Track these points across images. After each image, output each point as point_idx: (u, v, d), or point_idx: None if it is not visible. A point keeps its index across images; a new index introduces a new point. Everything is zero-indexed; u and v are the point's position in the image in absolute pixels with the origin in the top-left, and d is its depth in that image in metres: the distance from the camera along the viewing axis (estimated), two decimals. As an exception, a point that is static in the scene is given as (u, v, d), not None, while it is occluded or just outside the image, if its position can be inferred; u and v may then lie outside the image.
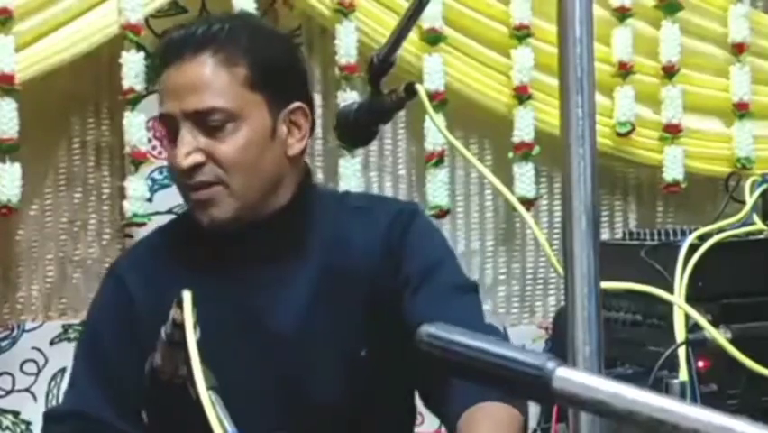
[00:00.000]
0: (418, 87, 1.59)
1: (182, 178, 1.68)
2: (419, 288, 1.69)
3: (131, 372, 1.63)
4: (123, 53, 2.69)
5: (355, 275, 1.71)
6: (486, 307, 2.51)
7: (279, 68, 1.71)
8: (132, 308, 1.72)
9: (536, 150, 3.01)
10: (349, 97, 2.78)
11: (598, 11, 2.85)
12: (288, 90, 1.72)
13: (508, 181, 2.98)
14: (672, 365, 1.74)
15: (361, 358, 1.70)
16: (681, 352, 1.74)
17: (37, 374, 2.78)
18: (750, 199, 2.27)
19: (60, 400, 1.85)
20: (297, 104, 1.72)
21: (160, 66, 1.71)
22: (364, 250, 1.73)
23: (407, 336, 0.93)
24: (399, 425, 1.83)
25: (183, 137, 1.66)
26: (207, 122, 1.66)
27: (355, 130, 1.67)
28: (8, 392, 2.76)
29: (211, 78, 1.66)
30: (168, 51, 1.70)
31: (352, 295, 1.71)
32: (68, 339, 2.80)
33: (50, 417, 1.81)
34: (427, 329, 0.86)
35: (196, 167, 1.66)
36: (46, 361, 2.78)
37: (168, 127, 1.70)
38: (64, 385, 2.77)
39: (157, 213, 2.79)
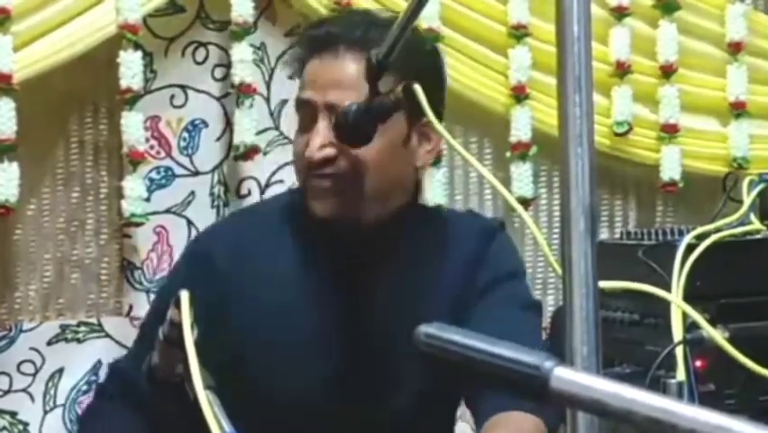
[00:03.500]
0: (416, 87, 1.59)
1: (310, 168, 1.68)
2: (484, 297, 1.73)
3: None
4: (121, 53, 2.68)
5: (440, 289, 1.74)
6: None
7: (424, 78, 1.66)
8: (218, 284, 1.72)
9: (534, 149, 3.01)
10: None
11: (595, 10, 2.84)
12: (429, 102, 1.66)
13: (507, 181, 2.98)
14: (670, 365, 1.74)
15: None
16: (679, 351, 1.73)
17: (34, 375, 2.77)
18: (747, 199, 2.27)
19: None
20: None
21: (306, 54, 1.73)
22: (450, 264, 1.76)
23: None
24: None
25: (320, 129, 1.67)
26: None
27: (354, 130, 1.67)
28: (5, 393, 2.75)
29: (356, 79, 1.64)
30: (317, 42, 1.71)
31: (436, 307, 1.71)
32: (66, 339, 2.79)
33: (110, 368, 1.93)
34: (425, 329, 0.85)
35: (327, 160, 1.67)
36: (43, 361, 2.77)
37: (302, 114, 1.72)
38: (62, 385, 2.78)
39: (155, 213, 2.79)
